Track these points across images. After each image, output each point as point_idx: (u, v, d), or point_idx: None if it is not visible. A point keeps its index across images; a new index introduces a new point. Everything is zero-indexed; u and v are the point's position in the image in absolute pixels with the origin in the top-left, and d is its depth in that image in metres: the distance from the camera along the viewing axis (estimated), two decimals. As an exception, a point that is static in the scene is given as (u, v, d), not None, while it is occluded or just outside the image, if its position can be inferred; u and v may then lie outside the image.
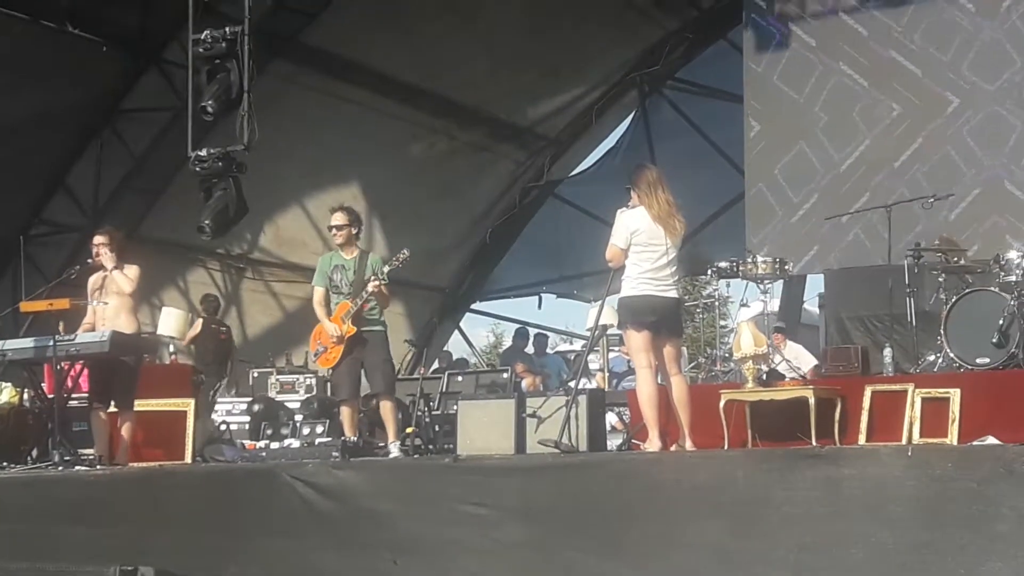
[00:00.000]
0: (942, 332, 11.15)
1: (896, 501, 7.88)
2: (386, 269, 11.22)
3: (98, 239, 11.87)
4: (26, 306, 12.96)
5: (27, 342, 12.18)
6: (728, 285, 13.65)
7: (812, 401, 9.94)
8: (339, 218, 11.49)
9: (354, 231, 11.52)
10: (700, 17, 19.86)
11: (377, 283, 11.12)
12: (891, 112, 15.62)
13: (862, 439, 10.07)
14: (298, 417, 13.43)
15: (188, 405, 12.84)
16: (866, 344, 12.13)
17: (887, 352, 11.47)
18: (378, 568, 9.31)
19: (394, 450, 11.19)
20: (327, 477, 9.71)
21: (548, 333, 21.63)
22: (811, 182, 16.05)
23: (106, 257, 11.69)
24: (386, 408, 11.35)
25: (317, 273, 11.63)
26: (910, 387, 10.08)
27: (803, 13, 16.25)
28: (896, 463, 8.08)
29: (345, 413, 11.44)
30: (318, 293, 11.53)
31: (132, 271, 11.76)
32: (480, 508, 9.09)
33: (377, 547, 9.34)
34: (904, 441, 9.71)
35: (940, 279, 11.72)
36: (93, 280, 11.91)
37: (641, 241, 9.72)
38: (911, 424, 9.89)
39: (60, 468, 11.32)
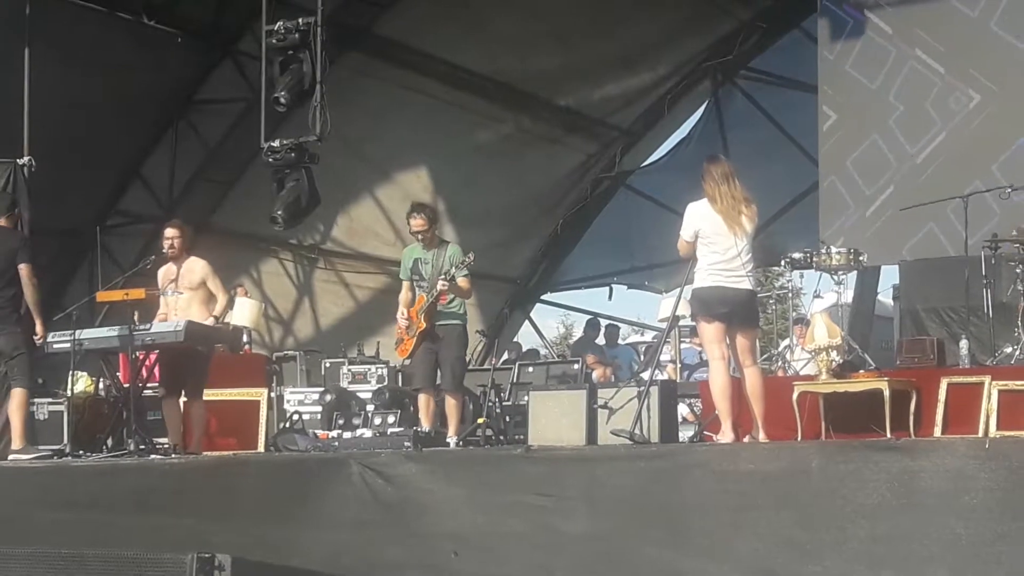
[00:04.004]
0: (1019, 324, 11.05)
1: (971, 493, 7.83)
2: (453, 271, 11.26)
3: (170, 232, 11.97)
4: (102, 296, 13.11)
5: (103, 332, 12.33)
6: (802, 276, 13.52)
7: (887, 393, 9.85)
8: (419, 224, 11.52)
9: (435, 229, 11.58)
10: (774, 6, 19.69)
11: (444, 285, 11.19)
12: (969, 101, 15.40)
13: (938, 431, 9.98)
14: (370, 407, 13.46)
15: (261, 395, 12.95)
16: (942, 336, 11.98)
17: (963, 344, 11.35)
18: (437, 560, 9.34)
19: (452, 444, 11.26)
20: (399, 467, 9.74)
21: (619, 324, 21.59)
22: (886, 172, 15.88)
23: (176, 253, 11.81)
24: (450, 404, 11.48)
25: (401, 267, 11.78)
26: (987, 379, 9.97)
27: (879, 0, 16.09)
28: (972, 455, 8.01)
29: (420, 401, 11.56)
30: (403, 286, 11.64)
31: (207, 267, 11.84)
32: (552, 499, 9.11)
33: (440, 538, 9.37)
34: (981, 434, 9.61)
35: (1017, 270, 11.58)
36: (165, 271, 12.03)
37: (707, 234, 9.73)
38: (988, 416, 9.79)
39: (135, 457, 11.45)
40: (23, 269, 11.53)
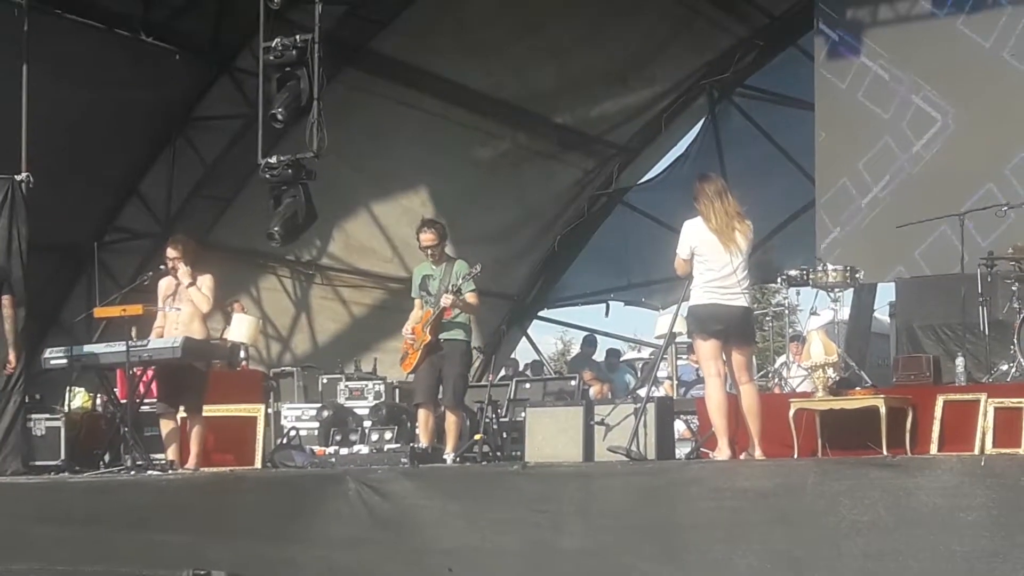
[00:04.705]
0: (1015, 341, 11.06)
1: (967, 511, 7.85)
2: (460, 283, 11.32)
3: (171, 252, 11.97)
4: (100, 312, 13.11)
5: (100, 347, 12.35)
6: (798, 293, 13.56)
7: (883, 410, 9.85)
8: (429, 238, 11.58)
9: (444, 244, 11.65)
10: (771, 24, 19.74)
11: (448, 300, 11.25)
12: (962, 120, 15.44)
13: (934, 449, 9.97)
14: (367, 423, 13.47)
15: (258, 411, 12.95)
16: (938, 353, 11.99)
17: (959, 361, 11.37)
18: (431, 576, 9.36)
19: (449, 460, 11.27)
20: (395, 483, 9.76)
21: (619, 349, 21.59)
22: (883, 189, 15.91)
23: (183, 272, 11.80)
24: (450, 421, 11.48)
25: (412, 286, 11.85)
26: (983, 397, 9.97)
27: (875, 20, 16.12)
28: (968, 473, 8.03)
29: (420, 417, 11.58)
30: (415, 304, 11.70)
31: (206, 283, 11.85)
32: (548, 516, 9.11)
33: (435, 555, 9.38)
34: (977, 451, 9.61)
35: (1013, 288, 11.61)
36: (165, 286, 12.03)
37: (702, 251, 9.75)
38: (983, 434, 9.79)
39: (132, 473, 11.45)
40: (4, 300, 11.58)
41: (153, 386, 12.24)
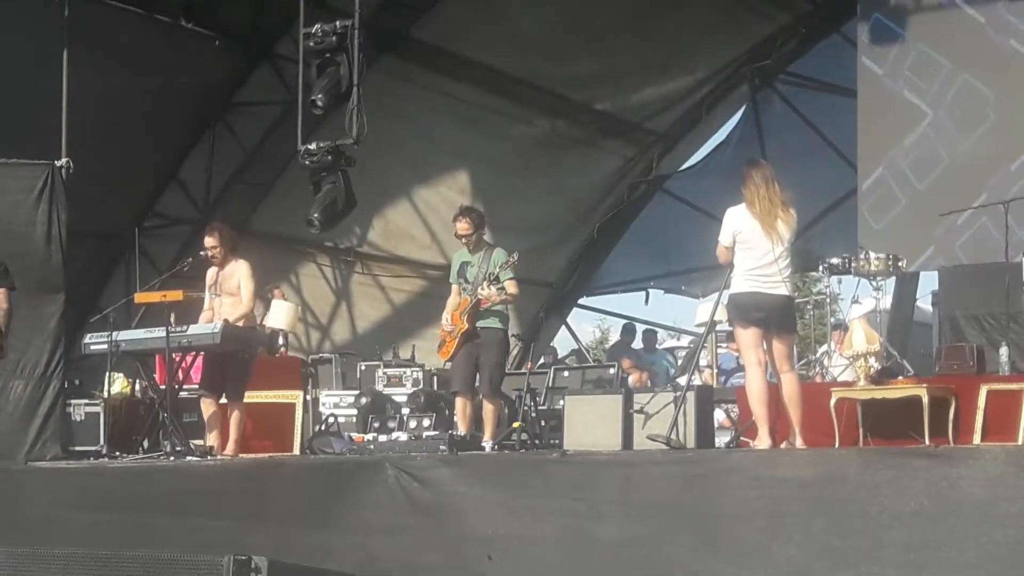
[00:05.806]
0: (1060, 331, 10.96)
1: (1011, 501, 7.79)
2: (498, 272, 11.30)
3: (209, 241, 12.01)
4: (140, 297, 13.15)
5: (140, 333, 12.40)
6: (840, 281, 13.47)
7: (926, 400, 9.78)
8: (464, 227, 11.58)
9: (480, 232, 11.61)
10: (813, 11, 19.61)
11: (486, 293, 11.24)
12: (1007, 107, 15.31)
13: (977, 439, 9.90)
14: (405, 410, 13.48)
15: (297, 397, 12.97)
16: (981, 343, 11.89)
17: (1003, 351, 11.27)
18: (472, 564, 9.33)
19: (487, 448, 11.26)
20: (434, 470, 9.75)
21: (656, 329, 21.54)
22: (925, 178, 15.79)
23: (220, 260, 11.85)
24: (487, 409, 11.50)
25: (451, 271, 11.84)
26: (1027, 387, 9.90)
27: (918, 6, 15.99)
28: (1012, 463, 7.97)
29: (457, 405, 11.61)
30: (452, 290, 11.71)
31: (244, 274, 11.86)
32: (586, 504, 9.09)
33: (474, 542, 9.37)
34: (1020, 441, 9.53)
35: (1059, 276, 11.51)
36: (210, 275, 12.09)
37: (744, 239, 9.70)
38: (1028, 424, 9.71)
39: (171, 459, 11.48)
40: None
41: (192, 372, 12.28)
